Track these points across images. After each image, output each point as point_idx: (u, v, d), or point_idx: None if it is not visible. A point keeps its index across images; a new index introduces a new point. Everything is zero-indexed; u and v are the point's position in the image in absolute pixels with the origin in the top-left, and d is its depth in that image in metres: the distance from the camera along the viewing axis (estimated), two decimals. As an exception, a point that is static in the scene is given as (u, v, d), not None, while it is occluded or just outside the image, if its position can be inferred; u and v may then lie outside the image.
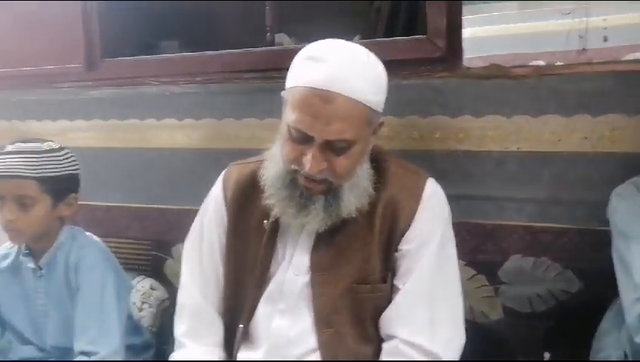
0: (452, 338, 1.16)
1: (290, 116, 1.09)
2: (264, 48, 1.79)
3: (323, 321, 1.17)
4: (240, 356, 1.24)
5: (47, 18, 2.01)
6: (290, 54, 1.16)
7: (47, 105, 2.09)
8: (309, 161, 1.06)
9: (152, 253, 1.98)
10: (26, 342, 1.59)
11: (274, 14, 2.10)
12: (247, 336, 1.24)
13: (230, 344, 1.27)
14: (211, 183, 1.37)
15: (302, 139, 1.08)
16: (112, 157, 1.97)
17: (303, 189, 1.12)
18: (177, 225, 1.90)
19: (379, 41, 1.66)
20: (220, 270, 1.30)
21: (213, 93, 1.82)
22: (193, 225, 1.37)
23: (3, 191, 1.43)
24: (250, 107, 1.77)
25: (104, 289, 1.48)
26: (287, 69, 1.15)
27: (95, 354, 1.41)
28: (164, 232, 1.96)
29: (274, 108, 1.69)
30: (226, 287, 1.29)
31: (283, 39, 2.05)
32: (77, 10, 1.94)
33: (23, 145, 1.47)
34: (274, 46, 2.14)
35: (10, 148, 1.46)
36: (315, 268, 1.18)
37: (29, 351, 1.58)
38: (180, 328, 1.32)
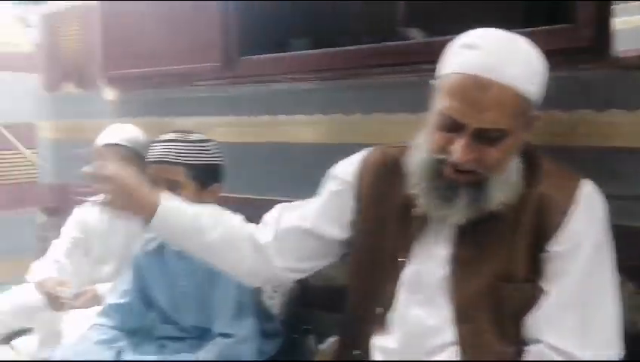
0: (605, 348, 1.09)
1: (441, 103, 1.08)
2: (393, 43, 1.79)
3: (462, 315, 1.14)
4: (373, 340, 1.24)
5: (187, 18, 2.14)
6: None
7: (188, 102, 2.22)
8: (459, 150, 1.04)
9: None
10: (168, 321, 1.70)
11: (406, 9, 2.10)
12: (382, 321, 1.23)
13: (363, 324, 1.27)
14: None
15: (452, 127, 1.06)
16: (244, 152, 2.06)
17: (449, 180, 1.09)
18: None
19: (519, 31, 1.60)
20: (322, 228, 1.29)
21: (341, 88, 1.85)
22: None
23: (156, 174, 1.56)
24: (379, 102, 1.78)
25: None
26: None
27: (232, 336, 1.48)
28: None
29: (403, 103, 1.71)
30: (358, 268, 1.28)
31: (415, 34, 2.03)
32: (214, 10, 2.05)
33: (174, 134, 1.61)
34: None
35: (164, 137, 1.61)
36: (456, 261, 1.16)
37: (170, 330, 1.69)
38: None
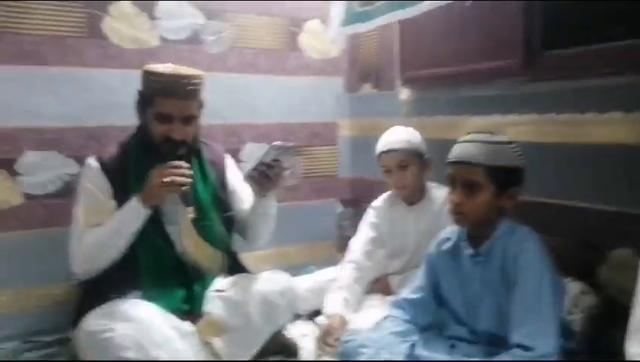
0: None
1: None
2: None
3: None
4: None
5: (485, 17, 2.09)
6: None
7: (481, 101, 2.19)
8: None
9: (581, 255, 1.87)
10: (459, 322, 1.70)
11: None
12: None
13: None
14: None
15: None
16: (543, 152, 1.94)
17: None
18: (611, 228, 1.75)
19: None
20: None
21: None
22: None
23: (455, 175, 1.56)
24: None
25: (542, 286, 1.47)
26: None
27: (531, 349, 1.40)
28: (595, 234, 1.83)
29: None
30: None
31: None
32: (515, 6, 1.96)
33: (477, 135, 1.58)
34: None
35: (466, 137, 1.60)
36: None
37: (462, 332, 1.68)
38: None
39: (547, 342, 1.40)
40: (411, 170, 2.15)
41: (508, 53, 2.01)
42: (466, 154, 1.55)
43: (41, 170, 2.24)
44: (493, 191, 1.54)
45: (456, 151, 1.58)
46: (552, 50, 1.89)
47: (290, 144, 1.93)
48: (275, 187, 1.98)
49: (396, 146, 2.14)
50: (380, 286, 2.26)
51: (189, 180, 1.83)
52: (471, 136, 1.59)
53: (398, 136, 2.18)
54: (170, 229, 1.93)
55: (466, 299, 1.67)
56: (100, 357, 1.67)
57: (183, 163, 1.83)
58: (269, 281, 2.00)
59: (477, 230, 1.62)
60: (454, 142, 1.61)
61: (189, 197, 1.83)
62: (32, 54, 2.20)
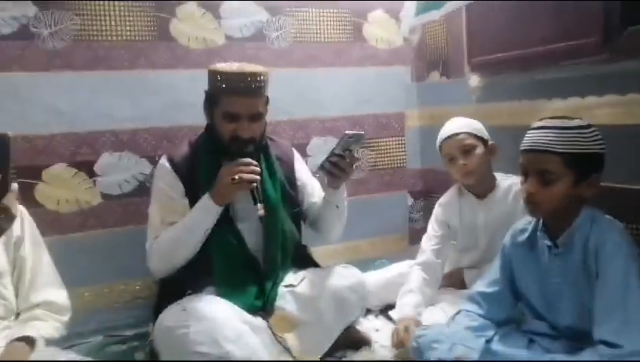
0: None
1: None
2: None
3: None
4: None
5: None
6: None
7: (556, 83, 2.08)
8: None
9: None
10: (538, 316, 1.63)
11: None
12: None
13: None
14: None
15: None
16: (630, 135, 1.81)
17: None
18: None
19: None
20: None
21: None
22: None
23: (528, 164, 1.48)
24: None
25: (627, 278, 1.38)
26: None
27: (618, 346, 1.31)
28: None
29: None
30: None
31: None
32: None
33: (550, 121, 1.48)
34: None
35: (538, 123, 1.50)
36: None
37: (541, 326, 1.61)
38: None
39: (635, 339, 1.31)
40: (476, 155, 2.04)
41: (584, 31, 1.89)
42: (541, 142, 1.45)
43: (116, 171, 2.33)
44: (572, 180, 1.45)
45: (530, 139, 1.49)
46: (632, 27, 1.76)
47: (361, 132, 1.91)
48: (347, 177, 1.96)
49: (457, 130, 2.06)
50: (453, 280, 2.20)
51: (258, 177, 1.85)
52: (545, 122, 1.49)
53: (458, 122, 2.10)
54: (241, 226, 1.96)
55: (545, 293, 1.59)
56: (176, 352, 1.71)
57: (251, 160, 1.85)
58: (340, 277, 1.99)
59: (554, 221, 1.53)
60: (528, 128, 1.53)
61: (259, 194, 1.84)
62: (105, 59, 2.28)
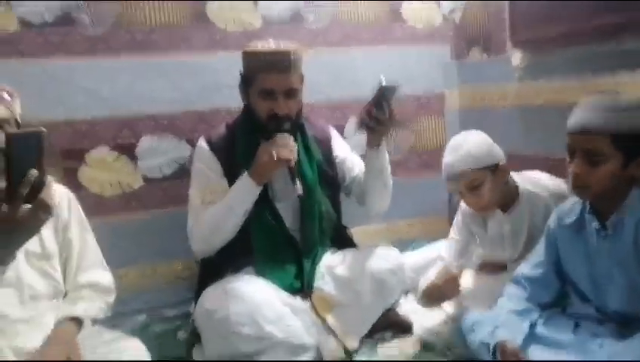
0: None
1: None
2: None
3: None
4: None
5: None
6: None
7: (604, 59, 1.99)
8: None
9: None
10: (585, 299, 1.58)
11: None
12: None
13: None
14: None
15: None
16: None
17: None
18: None
19: None
20: None
21: None
22: None
23: (574, 144, 1.42)
24: None
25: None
26: None
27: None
28: None
29: None
30: None
31: None
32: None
33: (598, 99, 1.42)
34: None
35: (585, 102, 1.44)
36: None
37: (588, 310, 1.56)
38: None
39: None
40: (485, 188, 1.86)
41: (632, 5, 1.80)
42: (588, 121, 1.39)
43: (157, 154, 2.36)
44: (620, 161, 1.39)
45: (577, 118, 1.42)
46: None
47: (396, 84, 1.87)
48: (386, 131, 1.93)
49: (458, 170, 1.85)
50: (489, 268, 2.11)
51: (295, 155, 1.85)
52: (593, 100, 1.42)
53: (458, 154, 1.86)
54: (279, 206, 1.96)
55: (593, 276, 1.54)
56: (216, 333, 1.74)
57: (288, 137, 1.85)
58: (379, 258, 1.98)
59: (603, 202, 1.47)
60: (574, 106, 1.46)
61: (296, 173, 1.84)
62: (144, 44, 2.30)
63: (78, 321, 1.56)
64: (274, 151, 1.79)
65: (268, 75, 1.85)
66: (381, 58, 2.72)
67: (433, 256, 2.29)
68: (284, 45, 1.89)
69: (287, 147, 1.82)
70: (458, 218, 2.14)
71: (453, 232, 2.16)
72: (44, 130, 1.13)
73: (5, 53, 2.10)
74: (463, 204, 2.07)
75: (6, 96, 1.50)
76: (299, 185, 1.83)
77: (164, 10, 2.32)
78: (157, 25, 2.32)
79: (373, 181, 2.03)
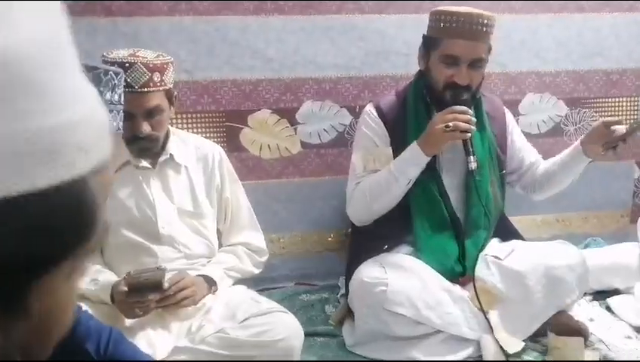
0: None
1: None
2: None
3: None
4: None
5: None
6: None
7: None
8: None
9: None
10: None
11: None
12: None
13: None
14: None
15: None
16: None
17: None
18: None
19: None
20: None
21: None
22: None
23: None
24: None
25: None
26: None
27: None
28: None
29: None
30: None
31: None
32: None
33: None
34: None
35: None
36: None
37: None
38: None
39: None
40: None
41: None
42: None
43: (317, 120, 2.28)
44: None
45: None
46: None
47: None
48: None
49: None
50: None
51: (473, 128, 1.69)
52: None
53: None
54: (447, 180, 1.82)
55: None
56: (371, 308, 1.67)
57: (467, 108, 1.69)
58: (556, 253, 1.76)
59: None
60: None
61: (471, 147, 1.68)
62: (313, 5, 2.22)
63: (211, 281, 1.64)
64: (451, 122, 1.64)
65: (455, 41, 1.70)
66: (570, 26, 2.39)
67: (620, 261, 2.02)
68: (478, 10, 1.72)
69: (465, 118, 1.67)
70: None
71: None
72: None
73: (182, 12, 2.13)
74: None
75: (156, 77, 1.57)
76: (472, 159, 1.66)
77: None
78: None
79: (565, 178, 1.90)
